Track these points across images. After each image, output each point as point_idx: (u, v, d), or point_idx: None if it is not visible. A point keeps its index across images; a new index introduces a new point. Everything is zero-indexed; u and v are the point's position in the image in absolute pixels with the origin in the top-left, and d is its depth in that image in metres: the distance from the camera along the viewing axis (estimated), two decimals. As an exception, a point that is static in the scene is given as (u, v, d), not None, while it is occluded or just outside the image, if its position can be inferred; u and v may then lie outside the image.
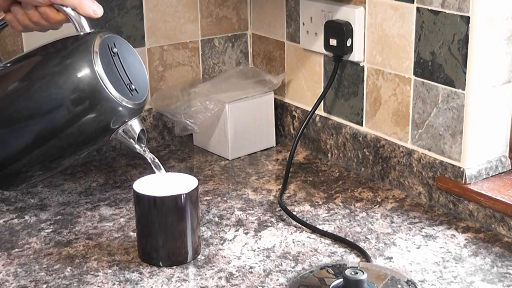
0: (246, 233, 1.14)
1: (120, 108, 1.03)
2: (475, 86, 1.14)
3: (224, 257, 1.07)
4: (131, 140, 1.07)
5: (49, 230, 1.15)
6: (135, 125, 1.07)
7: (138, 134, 1.07)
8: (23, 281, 1.01)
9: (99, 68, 1.01)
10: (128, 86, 1.04)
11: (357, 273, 0.89)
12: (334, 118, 1.39)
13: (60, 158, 1.10)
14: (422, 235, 1.13)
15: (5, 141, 1.06)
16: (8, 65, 1.07)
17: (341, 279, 0.91)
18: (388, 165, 1.29)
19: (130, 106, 1.04)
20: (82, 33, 1.03)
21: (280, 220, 1.18)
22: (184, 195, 1.03)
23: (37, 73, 1.03)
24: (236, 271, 1.03)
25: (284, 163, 1.40)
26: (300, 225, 1.16)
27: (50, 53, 1.04)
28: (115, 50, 1.04)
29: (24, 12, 1.04)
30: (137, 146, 1.08)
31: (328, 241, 1.11)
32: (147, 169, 1.37)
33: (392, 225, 1.16)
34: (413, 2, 1.19)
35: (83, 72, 1.00)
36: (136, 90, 1.05)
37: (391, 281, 0.95)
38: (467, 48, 1.12)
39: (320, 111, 1.42)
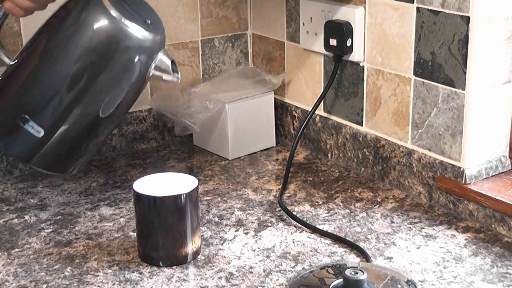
0: (246, 233, 1.14)
1: (146, 43, 1.06)
2: (475, 86, 1.14)
3: (224, 257, 1.07)
4: (166, 72, 1.10)
5: (49, 230, 1.15)
6: (164, 58, 1.10)
7: (171, 66, 1.10)
8: (23, 281, 1.01)
9: (115, 12, 1.04)
10: (145, 22, 1.08)
11: (357, 273, 0.89)
12: (334, 118, 1.39)
13: (108, 115, 1.11)
14: (422, 235, 1.13)
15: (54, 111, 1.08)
16: (23, 53, 1.09)
17: (341, 279, 0.91)
18: (388, 165, 1.29)
19: (153, 38, 1.07)
20: None
21: (280, 220, 1.18)
22: (184, 195, 1.03)
23: (57, 39, 1.06)
24: (236, 271, 1.03)
25: (284, 163, 1.40)
26: (300, 225, 1.16)
27: (61, 17, 1.07)
28: None
29: None
30: (174, 78, 1.11)
31: (328, 241, 1.11)
32: (147, 169, 1.37)
33: (392, 225, 1.16)
34: (413, 2, 1.19)
35: (102, 21, 1.04)
36: (153, 24, 1.09)
37: (391, 281, 0.95)
38: (467, 48, 1.12)
39: (320, 111, 1.42)
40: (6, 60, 1.11)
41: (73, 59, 1.05)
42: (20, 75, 1.09)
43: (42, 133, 1.07)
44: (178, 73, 1.12)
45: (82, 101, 1.07)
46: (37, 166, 1.11)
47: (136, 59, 1.07)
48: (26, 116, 1.06)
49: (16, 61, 1.09)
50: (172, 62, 1.11)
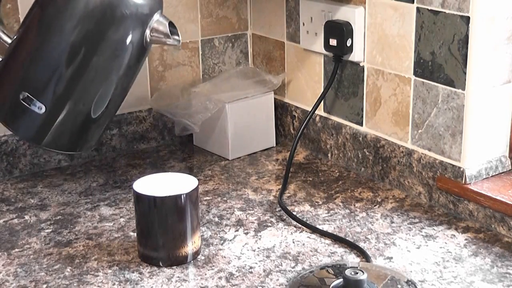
0: (246, 233, 1.14)
1: (144, 8, 1.03)
2: (475, 86, 1.14)
3: (224, 257, 1.07)
4: (166, 35, 1.06)
5: (49, 230, 1.15)
6: (161, 19, 1.06)
7: (169, 28, 1.06)
8: (23, 281, 1.01)
9: None
10: None
11: (357, 273, 0.89)
12: (334, 118, 1.39)
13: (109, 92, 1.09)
14: (422, 235, 1.13)
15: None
16: (20, 30, 1.07)
17: (341, 279, 0.91)
18: (388, 165, 1.29)
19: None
20: None
21: (280, 220, 1.18)
22: (184, 195, 1.03)
23: (51, 11, 1.04)
24: (236, 271, 1.03)
25: (284, 163, 1.40)
26: (300, 225, 1.16)
27: None
28: None
29: None
30: (174, 41, 1.07)
31: (328, 241, 1.11)
32: (147, 169, 1.37)
33: (392, 225, 1.16)
34: (413, 2, 1.19)
35: None
36: None
37: (391, 281, 0.95)
38: (467, 48, 1.12)
39: (320, 111, 1.42)
40: (7, 39, 1.09)
41: (69, 29, 1.03)
42: (18, 54, 1.06)
43: (43, 109, 1.05)
44: (178, 36, 1.08)
45: (84, 73, 1.05)
46: (49, 147, 1.09)
47: (134, 21, 1.04)
48: (27, 94, 1.05)
49: (15, 37, 1.07)
50: (170, 23, 1.07)
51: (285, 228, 1.15)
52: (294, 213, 1.19)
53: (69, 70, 1.05)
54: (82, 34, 1.03)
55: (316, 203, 1.24)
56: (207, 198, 1.26)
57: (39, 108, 1.05)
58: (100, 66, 1.06)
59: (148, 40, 1.06)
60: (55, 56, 1.04)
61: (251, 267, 1.04)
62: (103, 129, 1.16)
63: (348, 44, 1.30)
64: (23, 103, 1.05)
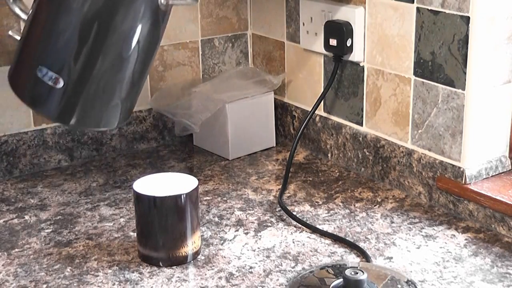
0: (246, 233, 1.14)
1: None
2: (475, 86, 1.14)
3: (224, 257, 1.07)
4: None
5: (49, 230, 1.15)
6: None
7: None
8: (23, 281, 1.01)
9: None
10: None
11: (357, 273, 0.89)
12: (334, 118, 1.39)
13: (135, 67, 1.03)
14: (422, 235, 1.13)
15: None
16: (34, 5, 1.05)
17: (341, 279, 0.91)
18: (388, 165, 1.29)
19: None
20: None
21: (280, 220, 1.18)
22: (184, 195, 1.03)
23: None
24: (236, 271, 1.03)
25: (284, 163, 1.40)
26: (300, 225, 1.16)
27: None
28: None
29: None
30: (193, 2, 1.01)
31: (328, 241, 1.11)
32: (147, 169, 1.37)
33: (392, 225, 1.16)
34: (413, 2, 1.19)
35: None
36: None
37: (391, 281, 0.95)
38: (467, 48, 1.12)
39: (320, 111, 1.42)
40: (23, 15, 1.06)
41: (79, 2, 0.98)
42: (32, 32, 1.02)
43: (61, 83, 1.00)
44: None
45: (103, 42, 0.99)
46: (79, 125, 1.04)
47: None
48: (43, 68, 1.00)
49: (29, 14, 1.05)
50: None
51: (285, 228, 1.15)
52: (294, 213, 1.19)
53: (86, 44, 1.00)
54: (95, 8, 0.99)
55: (316, 203, 1.24)
56: (207, 198, 1.26)
57: (58, 82, 1.00)
58: (117, 37, 1.01)
59: (163, 1, 1.02)
60: (69, 29, 0.99)
61: (251, 267, 1.04)
62: (136, 97, 1.09)
63: (348, 44, 1.30)
64: (41, 78, 1.01)
